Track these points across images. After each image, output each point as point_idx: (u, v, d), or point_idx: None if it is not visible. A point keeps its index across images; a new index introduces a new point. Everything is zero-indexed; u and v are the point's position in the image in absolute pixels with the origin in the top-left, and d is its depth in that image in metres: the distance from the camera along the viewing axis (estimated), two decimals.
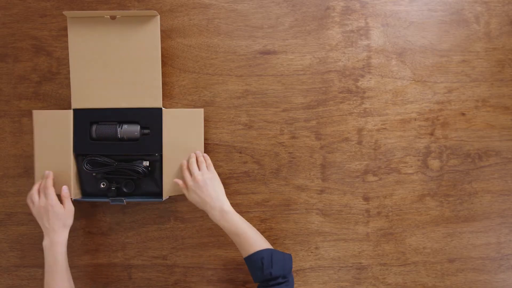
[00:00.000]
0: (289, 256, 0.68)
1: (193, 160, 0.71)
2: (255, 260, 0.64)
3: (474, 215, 0.80)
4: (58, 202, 0.70)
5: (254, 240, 0.67)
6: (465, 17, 0.79)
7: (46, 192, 0.69)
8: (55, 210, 0.69)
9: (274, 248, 0.68)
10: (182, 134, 0.73)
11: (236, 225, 0.68)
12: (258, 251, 0.65)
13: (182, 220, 0.80)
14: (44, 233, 0.70)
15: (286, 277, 0.64)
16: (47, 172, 0.72)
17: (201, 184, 0.68)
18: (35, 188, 0.71)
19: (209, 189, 0.69)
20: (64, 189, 0.72)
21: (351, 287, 0.80)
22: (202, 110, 0.72)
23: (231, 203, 0.79)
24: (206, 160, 0.73)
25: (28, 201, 0.71)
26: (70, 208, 0.71)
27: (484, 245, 0.80)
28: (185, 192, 0.71)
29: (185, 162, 0.72)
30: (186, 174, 0.71)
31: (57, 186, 0.72)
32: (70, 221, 0.71)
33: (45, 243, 0.69)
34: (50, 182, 0.71)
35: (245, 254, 0.66)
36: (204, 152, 0.78)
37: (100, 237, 0.80)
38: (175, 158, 0.74)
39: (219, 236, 0.80)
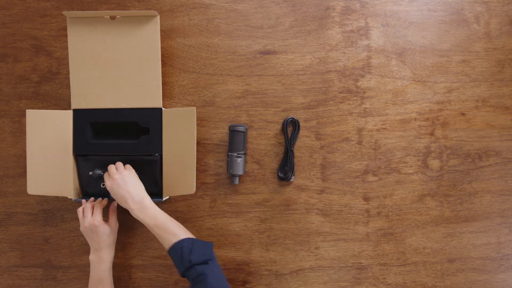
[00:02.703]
0: (210, 243, 0.66)
1: (111, 165, 0.71)
2: (176, 250, 0.63)
3: (474, 215, 0.80)
4: (103, 222, 0.71)
5: (175, 231, 0.65)
6: (465, 17, 0.79)
7: (94, 211, 0.71)
8: (100, 230, 0.70)
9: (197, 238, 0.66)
10: (180, 134, 0.73)
11: (157, 217, 0.66)
12: (179, 241, 0.63)
13: (182, 220, 0.80)
14: (91, 248, 0.72)
15: (206, 262, 0.62)
16: (104, 199, 0.74)
17: (119, 182, 0.67)
18: (82, 207, 0.72)
19: (128, 185, 0.67)
20: (113, 204, 0.74)
21: (351, 287, 0.80)
22: (194, 108, 0.72)
23: (231, 203, 0.79)
24: (127, 166, 0.72)
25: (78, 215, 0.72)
26: (114, 224, 0.73)
27: (484, 245, 0.80)
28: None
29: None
30: (105, 175, 0.70)
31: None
32: (115, 237, 0.73)
33: (92, 257, 0.71)
34: (101, 205, 0.72)
35: (167, 246, 0.64)
36: (203, 152, 0.78)
37: None
38: (174, 158, 0.74)
39: (219, 236, 0.80)
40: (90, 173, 0.74)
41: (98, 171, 0.74)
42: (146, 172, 0.75)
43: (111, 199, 0.74)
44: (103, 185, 0.75)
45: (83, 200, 0.73)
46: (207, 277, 0.59)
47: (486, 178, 0.80)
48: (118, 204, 0.74)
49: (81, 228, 0.71)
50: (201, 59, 0.79)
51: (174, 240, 0.63)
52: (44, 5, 0.80)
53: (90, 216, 0.70)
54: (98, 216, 0.70)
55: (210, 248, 0.65)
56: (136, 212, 0.66)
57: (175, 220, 0.68)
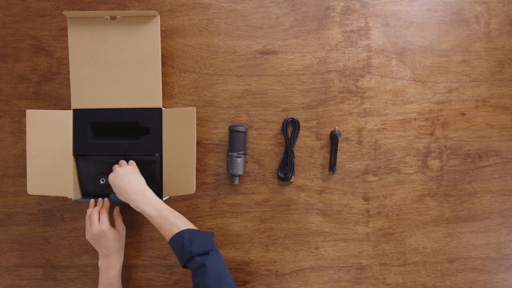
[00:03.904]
0: (211, 233, 0.65)
1: (116, 164, 0.72)
2: (176, 241, 0.62)
3: (474, 215, 0.80)
4: (111, 227, 0.71)
5: (176, 222, 0.64)
6: (465, 17, 0.79)
7: (100, 216, 0.70)
8: (108, 235, 0.69)
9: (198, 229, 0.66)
10: (179, 134, 0.73)
11: (157, 208, 0.65)
12: (179, 232, 0.63)
13: None
14: (100, 254, 0.71)
15: (207, 253, 0.61)
16: (105, 199, 0.73)
17: (120, 174, 0.68)
18: (88, 213, 0.72)
19: (129, 177, 0.68)
20: (116, 210, 0.73)
21: (351, 287, 0.80)
22: (194, 108, 0.72)
23: (231, 203, 0.79)
24: (130, 161, 0.73)
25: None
26: (122, 229, 0.73)
27: (484, 245, 0.80)
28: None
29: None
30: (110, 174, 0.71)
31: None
32: (123, 241, 0.73)
33: (101, 263, 0.71)
34: (106, 209, 0.72)
35: (168, 237, 0.64)
36: (203, 152, 0.78)
37: None
38: (174, 158, 0.74)
39: (219, 236, 0.80)
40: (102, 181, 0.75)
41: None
42: (146, 172, 0.75)
43: (111, 199, 0.74)
44: (103, 180, 0.75)
45: (92, 200, 0.73)
46: (207, 268, 0.58)
47: (486, 178, 0.80)
48: (120, 207, 0.74)
49: (89, 236, 0.71)
50: (201, 59, 0.79)
51: (175, 231, 0.63)
52: (44, 5, 0.80)
53: (97, 222, 0.70)
54: (106, 221, 0.70)
55: (211, 239, 0.64)
56: (137, 202, 0.66)
57: (176, 212, 0.67)
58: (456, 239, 0.80)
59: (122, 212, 0.78)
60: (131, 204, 0.67)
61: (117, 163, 0.75)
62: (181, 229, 0.63)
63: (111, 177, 0.69)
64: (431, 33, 0.79)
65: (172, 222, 0.64)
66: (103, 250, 0.70)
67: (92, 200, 0.73)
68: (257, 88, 0.79)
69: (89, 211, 0.72)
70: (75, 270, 0.80)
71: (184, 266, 0.63)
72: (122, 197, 0.68)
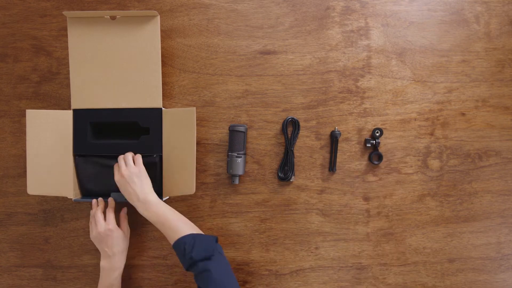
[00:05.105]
0: (213, 238, 0.66)
1: (121, 156, 0.71)
2: (178, 247, 0.63)
3: (474, 215, 0.80)
4: (117, 226, 0.71)
5: (178, 228, 0.65)
6: (465, 17, 0.79)
7: (106, 216, 0.70)
8: (114, 235, 0.69)
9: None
10: (179, 134, 0.73)
11: (160, 214, 0.66)
12: (181, 238, 0.63)
13: None
14: (102, 255, 0.71)
15: (209, 258, 0.62)
16: (109, 199, 0.73)
17: (126, 179, 0.67)
18: (92, 213, 0.72)
19: (134, 183, 0.67)
20: (124, 211, 0.73)
21: (351, 287, 0.80)
22: (194, 108, 0.72)
23: (231, 203, 0.79)
24: (136, 158, 0.71)
25: (90, 225, 0.72)
26: (127, 230, 0.73)
27: (484, 245, 0.80)
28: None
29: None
30: (115, 167, 0.70)
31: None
32: (127, 243, 0.73)
33: (103, 264, 0.70)
34: (112, 209, 0.72)
35: (171, 242, 0.65)
36: (203, 152, 0.78)
37: None
38: (174, 158, 0.74)
39: (219, 236, 0.80)
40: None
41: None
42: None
43: (114, 198, 0.73)
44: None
45: (94, 200, 0.73)
46: (211, 273, 0.59)
47: (486, 178, 0.80)
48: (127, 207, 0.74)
49: (94, 234, 0.70)
50: (201, 59, 0.79)
51: (176, 236, 0.64)
52: (44, 5, 0.80)
53: (103, 221, 0.70)
54: (112, 220, 0.70)
55: (212, 243, 0.64)
56: (141, 209, 0.67)
57: (180, 215, 0.68)
58: (456, 239, 0.80)
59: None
60: (136, 209, 0.68)
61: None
62: (182, 235, 0.63)
63: (116, 178, 0.69)
64: (431, 33, 0.79)
65: (174, 227, 0.65)
66: (106, 251, 0.70)
67: (94, 201, 0.73)
68: (257, 88, 0.79)
69: (92, 211, 0.72)
70: (75, 270, 0.80)
71: (188, 270, 0.63)
72: (128, 199, 0.68)
